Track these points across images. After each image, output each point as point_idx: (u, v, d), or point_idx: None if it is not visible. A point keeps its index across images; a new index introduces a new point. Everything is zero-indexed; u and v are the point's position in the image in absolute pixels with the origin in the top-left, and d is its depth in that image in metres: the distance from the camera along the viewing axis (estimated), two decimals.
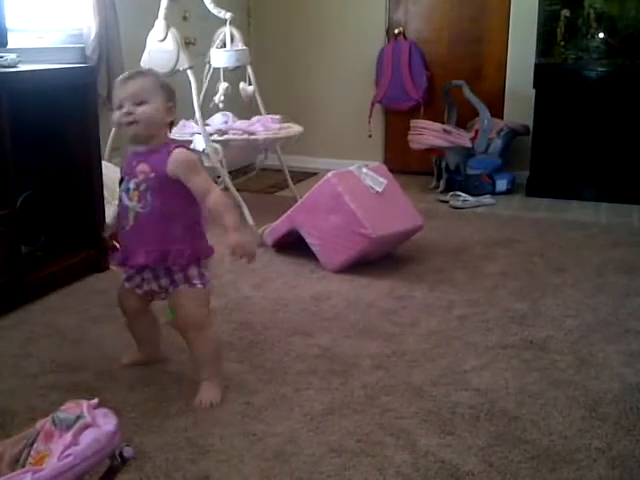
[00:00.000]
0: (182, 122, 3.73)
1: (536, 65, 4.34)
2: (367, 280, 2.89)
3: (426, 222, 3.24)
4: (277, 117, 3.88)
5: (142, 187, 1.87)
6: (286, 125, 3.86)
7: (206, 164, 3.62)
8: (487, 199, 4.26)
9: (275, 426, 1.82)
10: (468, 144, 4.39)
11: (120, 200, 1.93)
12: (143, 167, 1.87)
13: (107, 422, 1.29)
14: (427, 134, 4.39)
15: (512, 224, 3.79)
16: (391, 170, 3.27)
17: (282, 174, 4.11)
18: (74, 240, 2.96)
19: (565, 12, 4.45)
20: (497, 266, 3.10)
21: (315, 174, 4.77)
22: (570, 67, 4.37)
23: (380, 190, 3.06)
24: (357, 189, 3.02)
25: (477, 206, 4.18)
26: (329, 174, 3.02)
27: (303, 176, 4.73)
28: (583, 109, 4.25)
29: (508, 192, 4.44)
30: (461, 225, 3.78)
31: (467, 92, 4.41)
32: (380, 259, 3.07)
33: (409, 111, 4.86)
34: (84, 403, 1.32)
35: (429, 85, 4.89)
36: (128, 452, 1.34)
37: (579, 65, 4.36)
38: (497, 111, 4.65)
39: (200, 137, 3.51)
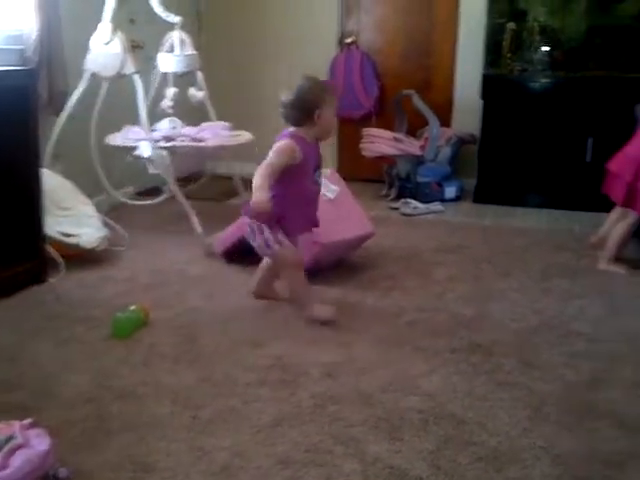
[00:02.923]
0: (126, 128, 3.67)
1: (483, 76, 4.43)
2: (318, 287, 2.88)
3: (378, 229, 3.26)
4: (227, 124, 3.85)
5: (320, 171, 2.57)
6: (236, 133, 3.83)
7: (151, 171, 3.58)
8: (437, 206, 4.31)
9: (223, 440, 1.80)
10: (418, 152, 4.44)
11: (310, 180, 2.50)
12: (321, 154, 2.56)
13: (40, 442, 1.26)
14: (379, 142, 4.43)
15: (460, 230, 3.85)
16: (343, 177, 3.28)
17: (233, 181, 4.08)
18: (13, 251, 2.84)
19: (511, 25, 4.56)
20: (446, 272, 3.13)
21: None
22: (516, 78, 4.48)
23: (332, 197, 3.07)
24: None
25: (427, 213, 4.22)
26: None
27: None
28: (528, 119, 4.34)
29: (457, 199, 4.51)
30: (412, 232, 3.82)
31: (417, 101, 4.47)
32: (332, 266, 3.07)
33: (361, 119, 4.92)
34: (16, 423, 1.28)
35: (380, 95, 4.96)
36: (63, 473, 1.30)
37: (524, 76, 4.47)
38: (446, 120, 4.73)
39: (146, 143, 3.46)
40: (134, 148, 3.53)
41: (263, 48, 5.12)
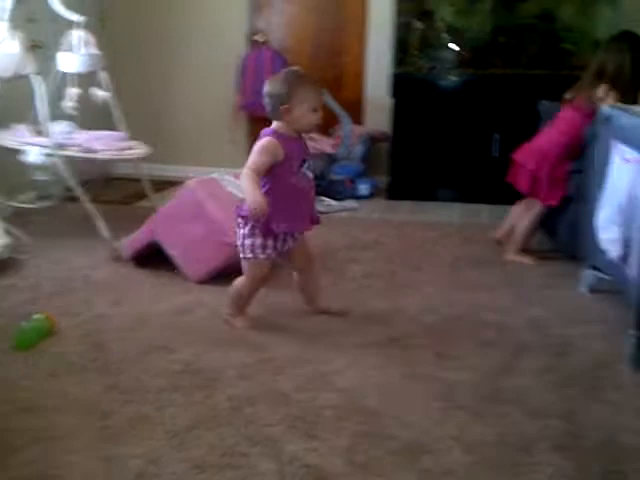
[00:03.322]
0: (14, 127, 3.51)
1: (392, 74, 4.50)
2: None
3: None
4: (123, 134, 3.70)
5: (311, 162, 2.42)
6: (129, 144, 3.68)
7: (37, 177, 3.44)
8: (350, 204, 4.35)
9: (135, 447, 1.74)
10: (330, 150, 4.46)
11: (296, 176, 2.36)
12: (307, 147, 2.45)
13: None
14: None
15: (374, 227, 3.89)
16: None
17: (140, 183, 3.97)
18: None
19: (418, 24, 4.64)
20: (361, 268, 3.16)
21: (176, 182, 4.65)
22: (424, 77, 4.56)
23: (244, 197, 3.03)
24: (220, 197, 2.97)
25: (341, 210, 4.25)
26: (190, 182, 2.96)
27: (163, 185, 4.57)
28: (437, 116, 4.44)
29: (370, 196, 4.55)
30: (326, 230, 3.76)
31: (328, 100, 4.47)
32: None
33: None
34: None
35: None
36: None
37: (433, 75, 4.56)
38: (357, 118, 4.77)
39: (35, 149, 3.31)
40: (19, 151, 3.38)
41: (171, 48, 5.01)
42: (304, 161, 2.40)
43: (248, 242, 2.38)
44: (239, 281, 2.48)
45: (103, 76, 3.70)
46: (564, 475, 1.66)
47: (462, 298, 2.79)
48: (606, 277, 2.70)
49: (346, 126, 4.47)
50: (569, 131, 3.20)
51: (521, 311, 2.67)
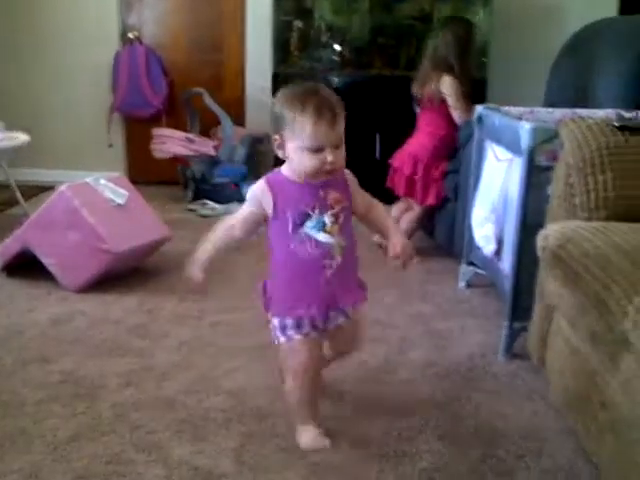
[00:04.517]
0: None
1: (273, 74, 4.50)
2: (114, 296, 2.77)
3: (175, 232, 3.19)
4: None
5: (341, 218, 1.67)
6: (9, 135, 3.53)
7: None
8: (235, 207, 4.30)
9: (12, 463, 1.66)
10: (212, 152, 4.41)
11: (293, 240, 1.66)
12: (335, 196, 1.67)
13: None
14: (170, 143, 4.35)
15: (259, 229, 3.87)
16: (135, 181, 3.18)
17: (10, 190, 3.76)
18: None
19: (298, 23, 4.66)
20: (248, 271, 3.14)
21: (49, 188, 4.45)
22: (305, 76, 4.57)
23: (122, 202, 2.95)
24: (96, 202, 2.88)
25: (225, 214, 4.20)
26: (63, 187, 2.85)
27: (36, 191, 4.34)
28: None
29: None
30: (208, 233, 3.77)
31: (208, 100, 4.43)
32: (128, 273, 2.96)
33: (150, 119, 4.75)
34: None
35: (170, 92, 4.80)
36: None
37: (313, 75, 4.58)
38: (239, 119, 4.73)
39: None
40: None
41: (38, 45, 4.77)
42: (307, 215, 1.65)
43: (276, 321, 1.74)
44: (286, 387, 1.81)
45: None
46: (445, 462, 1.73)
47: None
48: (482, 272, 2.84)
49: (227, 127, 4.43)
50: (435, 132, 3.37)
51: (405, 308, 2.75)
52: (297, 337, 1.70)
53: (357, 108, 4.44)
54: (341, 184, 1.70)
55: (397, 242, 1.72)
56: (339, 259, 1.68)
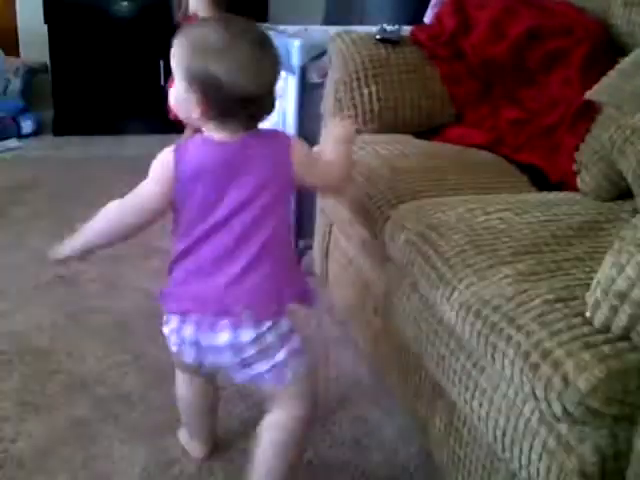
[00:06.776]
0: None
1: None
2: None
3: None
4: None
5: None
6: None
7: None
8: (13, 143, 4.03)
9: None
10: None
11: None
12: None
13: None
14: None
15: (41, 166, 3.66)
16: None
17: None
18: None
19: None
20: (26, 209, 2.96)
21: None
22: (82, 2, 4.27)
23: None
24: None
25: (3, 151, 3.91)
26: None
27: None
28: (100, 44, 4.22)
29: (35, 134, 4.24)
30: None
31: None
32: None
33: None
34: None
35: None
36: None
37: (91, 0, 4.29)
38: (12, 49, 4.36)
39: None
40: None
41: None
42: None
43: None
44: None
45: None
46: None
47: None
48: None
49: None
50: None
51: None
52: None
53: (138, 33, 4.26)
54: None
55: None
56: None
